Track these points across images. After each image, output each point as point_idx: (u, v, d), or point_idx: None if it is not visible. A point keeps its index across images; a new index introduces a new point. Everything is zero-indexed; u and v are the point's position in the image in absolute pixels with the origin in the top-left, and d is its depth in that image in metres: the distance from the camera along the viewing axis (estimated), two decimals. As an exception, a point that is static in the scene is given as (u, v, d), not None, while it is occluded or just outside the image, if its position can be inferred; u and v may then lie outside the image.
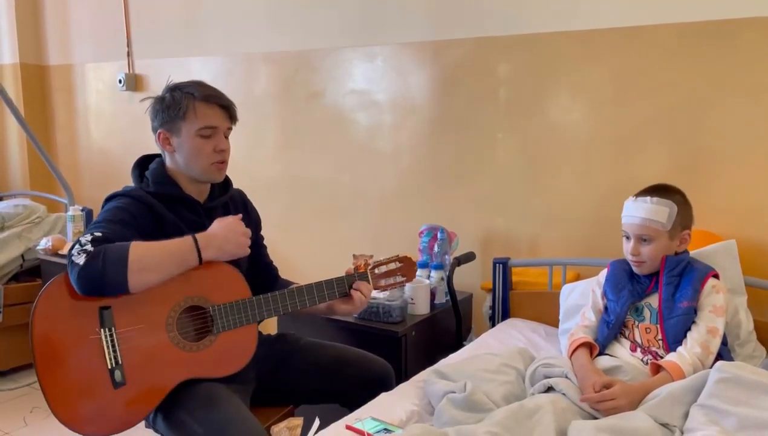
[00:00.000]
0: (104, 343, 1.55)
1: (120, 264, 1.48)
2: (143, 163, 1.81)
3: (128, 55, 3.65)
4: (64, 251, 3.14)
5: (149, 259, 1.53)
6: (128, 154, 3.74)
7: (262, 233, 2.01)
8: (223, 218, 1.68)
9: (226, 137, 1.76)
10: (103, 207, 1.68)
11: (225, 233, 1.64)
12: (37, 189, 3.95)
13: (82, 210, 3.30)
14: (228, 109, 1.74)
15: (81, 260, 1.47)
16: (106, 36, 3.74)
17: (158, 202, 1.67)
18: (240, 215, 1.72)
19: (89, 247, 1.49)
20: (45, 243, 3.19)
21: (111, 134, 3.84)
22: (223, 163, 1.75)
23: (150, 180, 1.73)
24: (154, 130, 1.73)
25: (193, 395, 1.61)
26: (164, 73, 3.52)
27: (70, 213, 3.28)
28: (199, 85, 1.72)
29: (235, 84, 3.18)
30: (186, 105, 1.68)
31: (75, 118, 4.00)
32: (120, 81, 3.65)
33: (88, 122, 3.94)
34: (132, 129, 3.71)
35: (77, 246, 1.50)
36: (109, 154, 3.86)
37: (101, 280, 1.49)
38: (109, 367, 1.55)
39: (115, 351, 1.56)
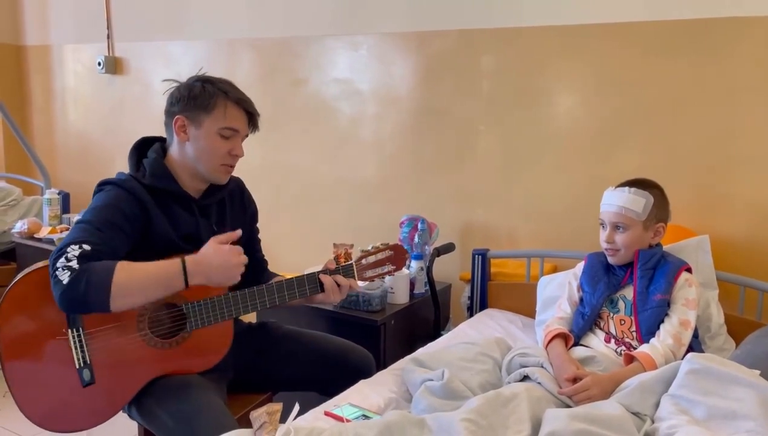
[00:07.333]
0: (72, 343, 1.54)
1: (103, 287, 1.43)
2: (141, 146, 1.75)
3: (108, 37, 3.59)
4: (40, 234, 3.10)
5: (133, 283, 1.47)
6: (107, 138, 3.73)
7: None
8: (220, 246, 1.57)
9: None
10: (95, 194, 1.63)
11: (218, 261, 1.54)
12: (13, 171, 3.88)
13: (58, 193, 3.26)
14: (253, 117, 1.73)
15: (65, 278, 1.42)
16: (85, 17, 3.67)
17: (150, 197, 1.62)
18: (238, 238, 1.62)
19: (75, 264, 1.43)
20: (20, 226, 3.14)
21: (89, 117, 3.79)
22: (232, 167, 1.72)
23: (147, 171, 1.67)
24: (171, 114, 1.68)
25: (164, 386, 1.60)
26: (145, 56, 3.49)
27: (46, 196, 3.24)
28: (231, 86, 1.70)
29: (217, 70, 3.12)
30: (216, 101, 1.65)
31: (52, 101, 3.93)
32: (99, 63, 3.59)
33: (65, 105, 3.88)
34: (111, 112, 3.67)
35: (63, 259, 1.44)
36: (87, 138, 3.80)
37: (83, 303, 1.45)
38: (77, 366, 1.54)
39: (83, 351, 1.55)
